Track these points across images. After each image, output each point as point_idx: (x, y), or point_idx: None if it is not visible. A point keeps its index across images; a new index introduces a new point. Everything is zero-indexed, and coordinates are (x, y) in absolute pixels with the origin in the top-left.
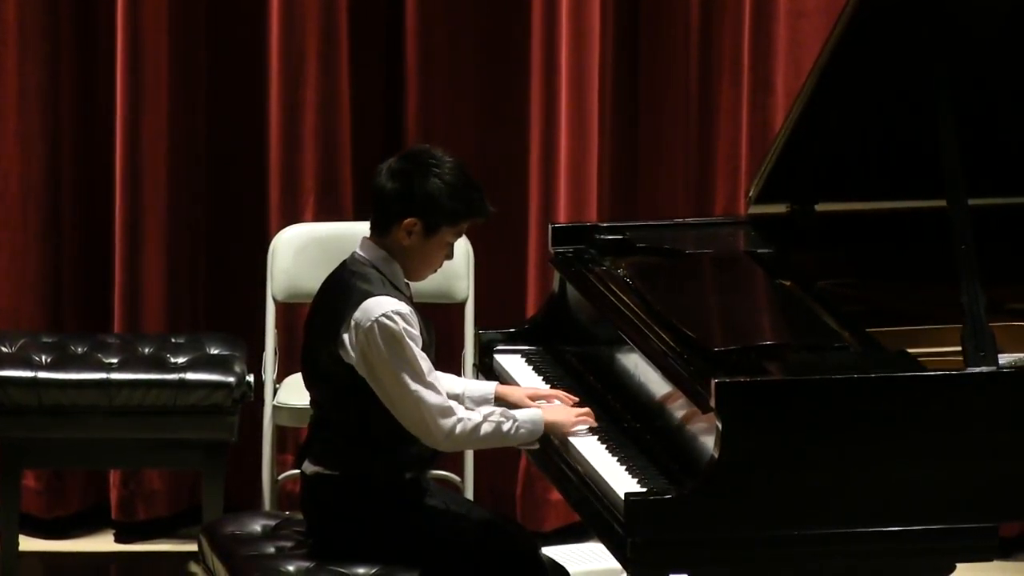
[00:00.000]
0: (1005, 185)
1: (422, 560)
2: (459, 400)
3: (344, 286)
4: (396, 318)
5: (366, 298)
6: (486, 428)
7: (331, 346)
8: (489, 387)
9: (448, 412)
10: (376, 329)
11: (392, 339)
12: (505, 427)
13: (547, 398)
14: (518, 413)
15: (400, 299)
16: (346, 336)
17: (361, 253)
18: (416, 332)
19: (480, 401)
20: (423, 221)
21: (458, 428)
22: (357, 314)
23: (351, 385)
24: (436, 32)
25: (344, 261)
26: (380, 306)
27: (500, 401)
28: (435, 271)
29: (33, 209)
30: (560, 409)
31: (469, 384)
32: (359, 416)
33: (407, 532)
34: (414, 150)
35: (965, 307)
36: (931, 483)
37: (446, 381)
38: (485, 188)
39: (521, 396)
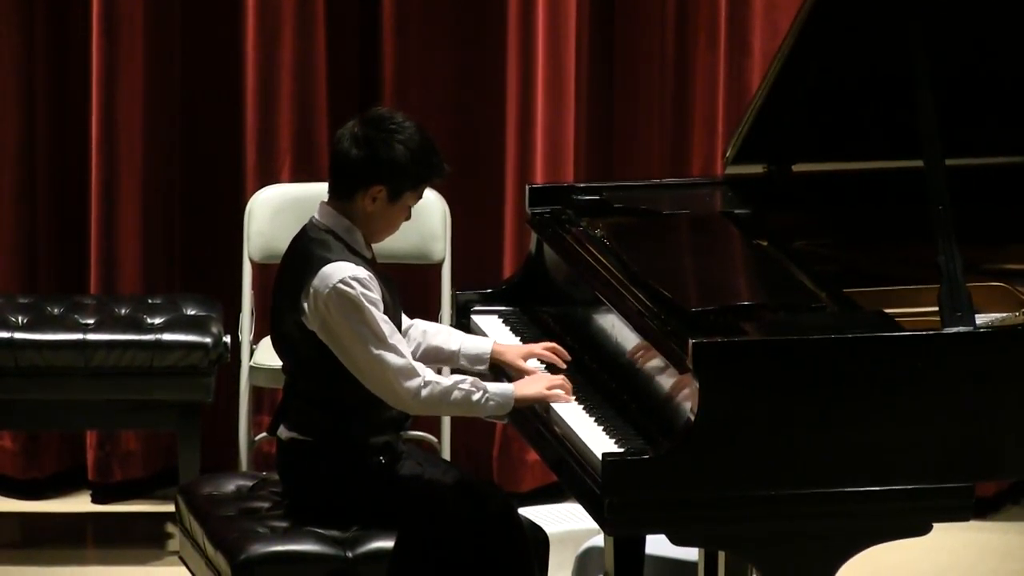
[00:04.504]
0: (982, 145)
1: (398, 522)
2: (455, 357)
3: (303, 254)
4: (354, 283)
5: (324, 265)
6: (456, 395)
7: (294, 314)
8: (486, 344)
9: (411, 373)
10: (334, 295)
11: (351, 304)
12: (475, 397)
13: (540, 356)
14: (490, 385)
15: (359, 264)
16: (306, 304)
17: (319, 219)
18: (376, 296)
19: (475, 360)
20: (388, 188)
21: (424, 391)
22: (315, 281)
23: (318, 352)
24: None
25: (303, 227)
26: (338, 272)
27: (496, 359)
28: (393, 233)
29: (8, 171)
30: (533, 382)
31: (466, 340)
32: (329, 382)
33: (383, 494)
34: (374, 115)
35: (942, 267)
36: (907, 443)
37: (442, 337)
38: (462, 149)
39: (514, 356)
